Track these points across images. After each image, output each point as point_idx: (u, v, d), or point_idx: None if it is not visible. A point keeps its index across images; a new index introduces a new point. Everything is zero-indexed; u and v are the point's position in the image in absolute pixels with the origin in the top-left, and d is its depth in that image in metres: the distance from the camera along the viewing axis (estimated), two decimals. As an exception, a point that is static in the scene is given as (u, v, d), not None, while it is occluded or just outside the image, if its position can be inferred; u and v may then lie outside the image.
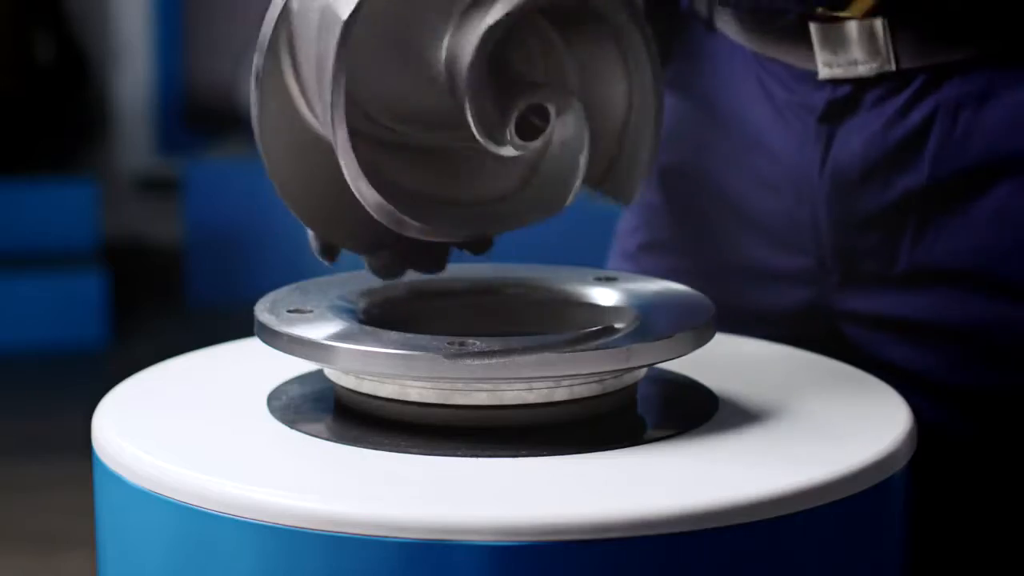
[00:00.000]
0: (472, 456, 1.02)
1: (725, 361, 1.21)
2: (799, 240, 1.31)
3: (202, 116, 5.35)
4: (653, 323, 1.10)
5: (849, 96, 1.26)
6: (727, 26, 1.32)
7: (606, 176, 1.13)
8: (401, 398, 1.07)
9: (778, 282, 1.33)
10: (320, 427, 1.09)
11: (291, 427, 1.08)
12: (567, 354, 1.03)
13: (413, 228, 1.06)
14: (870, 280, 1.29)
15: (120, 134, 5.40)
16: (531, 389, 1.05)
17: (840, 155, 1.27)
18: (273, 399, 1.13)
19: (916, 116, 1.25)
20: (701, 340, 1.09)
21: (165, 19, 5.37)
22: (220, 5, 5.42)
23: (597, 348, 1.04)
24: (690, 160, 1.37)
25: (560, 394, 1.06)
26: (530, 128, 1.07)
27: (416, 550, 0.93)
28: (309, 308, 1.11)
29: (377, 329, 1.07)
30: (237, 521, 0.97)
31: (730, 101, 1.33)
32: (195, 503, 0.99)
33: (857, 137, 1.26)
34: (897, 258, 1.27)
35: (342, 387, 1.10)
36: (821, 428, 1.09)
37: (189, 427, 1.10)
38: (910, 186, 1.26)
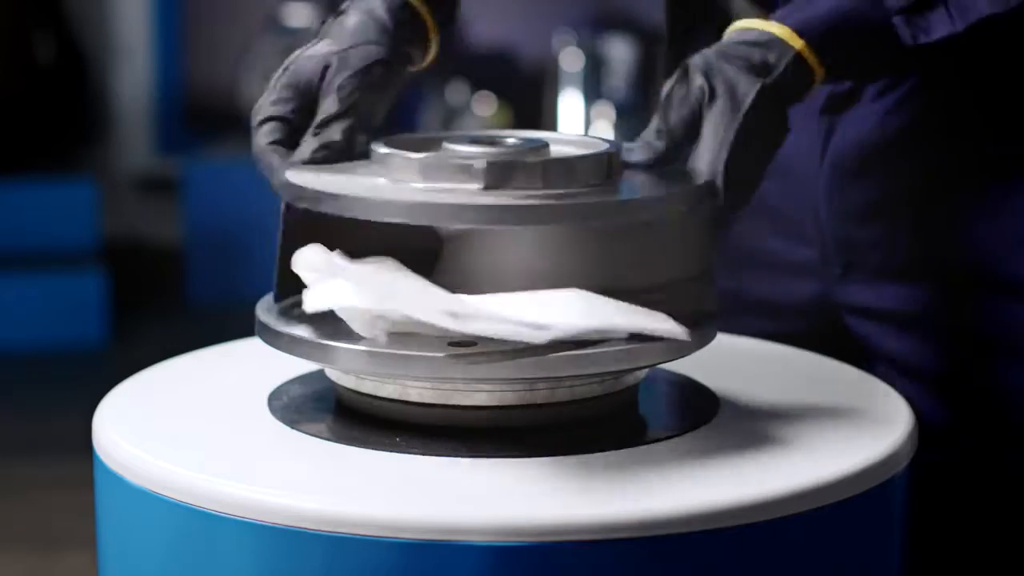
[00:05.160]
0: (472, 456, 1.02)
1: (726, 361, 1.21)
2: (804, 230, 1.31)
3: (202, 116, 5.34)
4: (654, 323, 1.10)
5: (850, 89, 1.26)
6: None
7: None
8: (401, 398, 1.06)
9: (788, 273, 1.34)
10: (321, 427, 1.08)
11: (292, 427, 1.08)
12: (568, 355, 1.03)
13: None
14: (870, 273, 1.29)
15: (120, 134, 5.39)
16: (532, 390, 1.05)
17: (839, 146, 1.28)
18: (274, 399, 1.13)
19: (914, 110, 1.25)
20: (702, 340, 1.09)
21: (165, 19, 5.35)
22: (220, 5, 5.42)
23: (597, 348, 1.04)
24: None
25: (561, 395, 1.06)
26: None
27: (416, 550, 0.93)
28: (309, 308, 1.11)
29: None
30: (237, 521, 0.97)
31: None
32: (195, 503, 0.98)
33: (856, 129, 1.27)
34: (895, 252, 1.28)
35: (343, 387, 1.10)
36: (821, 428, 1.09)
37: (189, 427, 1.10)
38: (907, 179, 1.27)
